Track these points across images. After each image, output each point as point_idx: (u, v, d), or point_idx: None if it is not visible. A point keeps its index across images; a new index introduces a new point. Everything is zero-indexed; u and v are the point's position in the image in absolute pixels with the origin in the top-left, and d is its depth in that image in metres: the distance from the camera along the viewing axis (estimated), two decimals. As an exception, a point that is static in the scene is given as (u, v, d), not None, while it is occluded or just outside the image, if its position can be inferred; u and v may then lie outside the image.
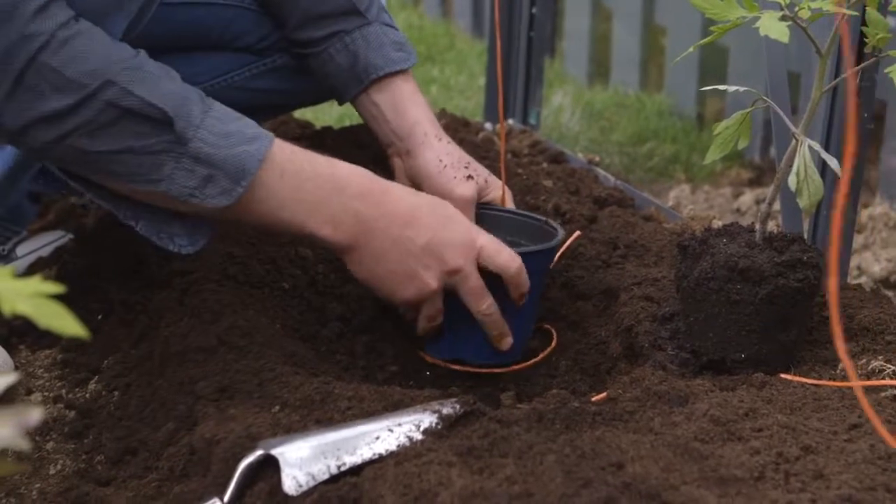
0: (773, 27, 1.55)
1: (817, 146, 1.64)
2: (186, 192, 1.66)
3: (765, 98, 1.76)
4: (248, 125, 1.70)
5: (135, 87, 1.62)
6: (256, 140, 1.69)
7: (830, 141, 2.00)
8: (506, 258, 1.84)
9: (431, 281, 1.80)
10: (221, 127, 1.67)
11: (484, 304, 1.84)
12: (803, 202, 1.65)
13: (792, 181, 1.65)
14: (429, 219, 1.79)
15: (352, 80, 2.14)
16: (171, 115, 1.63)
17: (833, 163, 1.65)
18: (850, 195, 2.00)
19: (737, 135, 1.71)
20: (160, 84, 1.65)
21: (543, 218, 2.05)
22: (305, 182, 1.73)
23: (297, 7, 2.15)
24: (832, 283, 1.15)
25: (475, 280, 1.82)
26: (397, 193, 1.80)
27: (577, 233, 2.18)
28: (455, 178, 2.05)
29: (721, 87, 1.78)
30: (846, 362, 1.33)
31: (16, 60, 1.57)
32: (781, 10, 1.60)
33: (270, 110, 2.36)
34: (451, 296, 1.86)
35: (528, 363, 1.98)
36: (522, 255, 1.88)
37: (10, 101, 1.59)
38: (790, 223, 2.11)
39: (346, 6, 2.13)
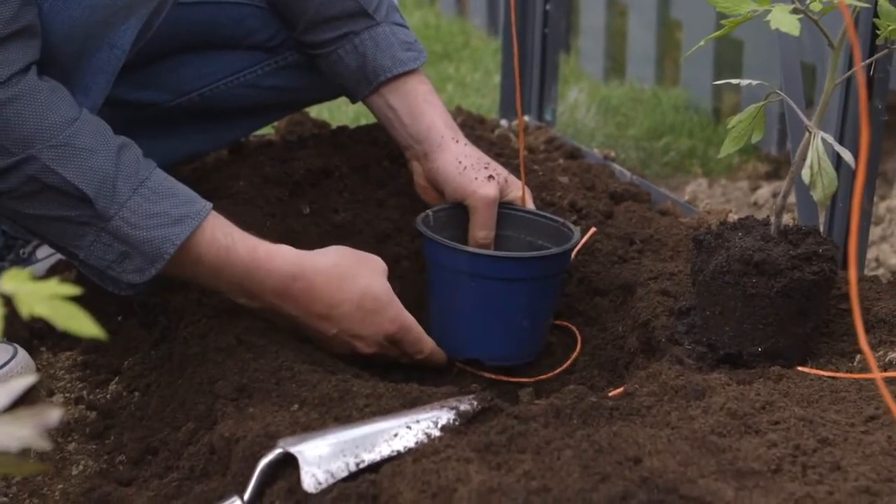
0: (784, 21, 1.55)
1: (830, 139, 1.64)
2: (104, 264, 1.72)
3: (778, 91, 1.76)
4: (178, 203, 1.74)
5: (57, 166, 1.67)
6: (181, 223, 1.73)
7: (844, 133, 2.00)
8: (413, 349, 1.92)
9: (362, 348, 1.89)
10: (147, 207, 1.71)
11: (425, 351, 1.92)
12: (817, 195, 1.65)
13: (805, 174, 1.65)
14: (346, 316, 1.85)
15: (361, 81, 2.14)
16: (91, 196, 1.68)
17: (847, 155, 1.65)
18: (866, 186, 2.00)
19: (751, 128, 1.71)
20: (88, 161, 1.69)
21: (561, 219, 2.05)
22: (223, 270, 1.78)
23: (306, 10, 2.16)
24: (852, 275, 1.15)
25: (397, 351, 1.91)
26: (318, 290, 1.83)
27: (593, 230, 2.18)
28: (476, 178, 2.04)
29: (734, 81, 1.78)
30: (867, 353, 1.33)
31: None
32: (793, 3, 1.60)
33: (282, 107, 2.37)
34: (459, 294, 1.87)
35: (551, 374, 1.98)
36: (541, 257, 1.89)
37: None
38: (806, 216, 2.11)
39: (354, 8, 2.13)
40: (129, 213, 1.70)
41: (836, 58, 1.63)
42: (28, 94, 1.65)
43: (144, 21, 1.76)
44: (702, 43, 1.75)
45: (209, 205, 1.76)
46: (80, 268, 1.79)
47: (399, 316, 1.88)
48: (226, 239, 1.78)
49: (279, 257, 1.81)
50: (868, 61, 1.88)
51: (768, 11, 1.58)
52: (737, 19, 1.62)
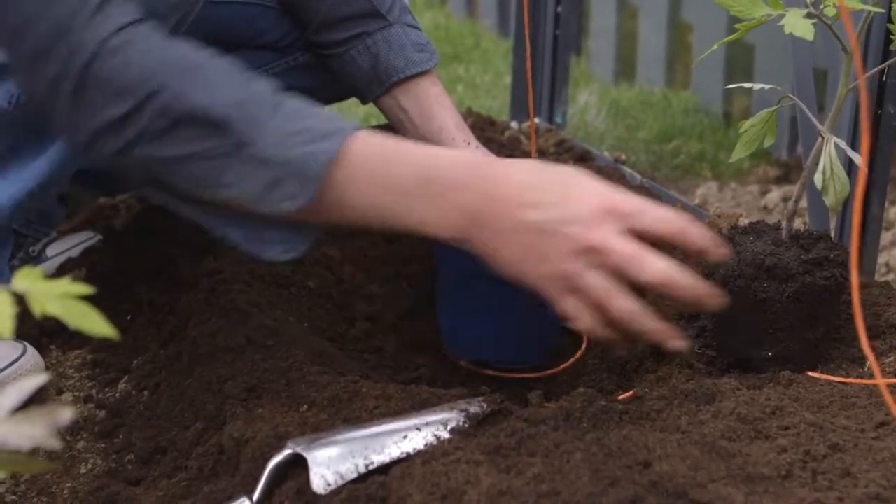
0: (798, 25, 1.54)
1: (843, 144, 1.64)
2: (254, 196, 1.55)
3: (791, 95, 1.76)
4: (324, 120, 1.57)
5: (186, 92, 1.54)
6: (330, 137, 1.54)
7: (857, 138, 1.99)
8: (661, 217, 1.50)
9: (563, 265, 1.47)
10: (289, 126, 1.55)
11: (651, 270, 1.46)
12: (829, 200, 1.65)
13: (818, 179, 1.64)
14: (545, 195, 1.49)
15: (374, 82, 2.14)
16: (226, 119, 1.53)
17: (859, 160, 1.65)
18: (877, 191, 1.99)
19: (763, 133, 1.71)
20: (218, 85, 1.57)
21: None
22: (394, 180, 1.54)
23: (319, 10, 2.15)
24: (854, 279, 1.15)
25: (621, 250, 1.46)
26: (507, 174, 1.53)
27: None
28: None
29: (746, 86, 1.78)
30: (870, 358, 1.33)
31: (72, 71, 1.53)
32: (806, 7, 1.60)
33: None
34: (468, 296, 1.86)
35: (558, 368, 1.98)
36: None
37: (73, 112, 1.56)
38: (817, 221, 2.10)
39: (367, 8, 2.13)
40: (270, 135, 1.53)
41: (849, 63, 1.63)
42: (145, 35, 1.56)
43: (172, 27, 1.75)
44: (715, 47, 1.75)
45: (355, 122, 1.60)
46: (227, 238, 1.62)
47: (610, 190, 1.50)
48: (393, 144, 1.56)
49: (454, 150, 1.64)
50: (882, 66, 1.87)
51: (782, 16, 1.57)
52: (750, 23, 1.61)
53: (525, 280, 1.51)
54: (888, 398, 1.27)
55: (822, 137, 1.64)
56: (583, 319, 1.49)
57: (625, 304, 1.47)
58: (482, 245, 1.52)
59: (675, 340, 1.51)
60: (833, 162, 1.61)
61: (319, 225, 1.65)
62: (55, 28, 1.53)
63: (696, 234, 1.50)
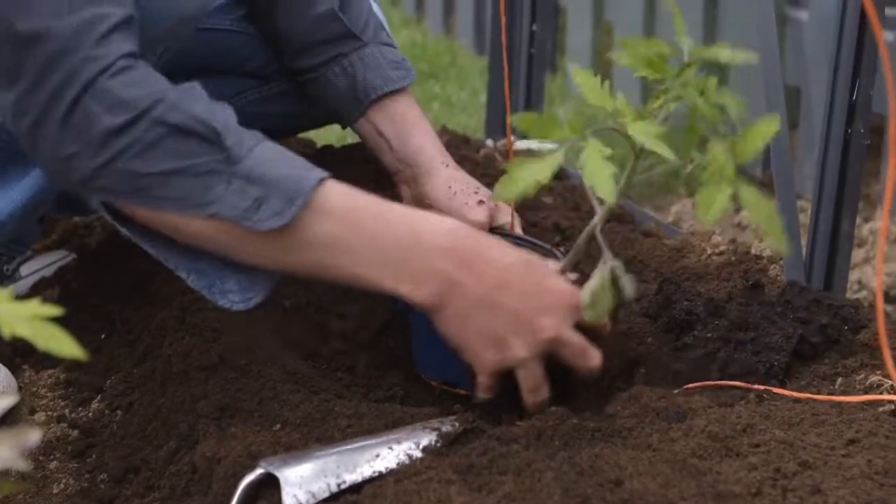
0: (598, 176, 1.43)
1: (621, 270, 1.56)
2: (238, 213, 1.57)
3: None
4: (305, 161, 1.64)
5: (183, 104, 1.58)
6: (315, 170, 1.61)
7: (827, 158, 2.00)
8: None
9: (519, 350, 1.62)
10: (275, 151, 1.62)
11: (592, 363, 1.67)
12: (589, 314, 1.59)
13: (586, 293, 1.57)
14: (521, 282, 1.63)
15: (352, 103, 2.15)
16: (221, 131, 1.58)
17: (629, 287, 1.55)
18: (848, 209, 2.01)
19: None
20: (211, 106, 1.61)
21: (549, 246, 2.03)
22: (380, 237, 1.61)
23: (292, 37, 2.16)
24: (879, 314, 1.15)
25: (576, 342, 1.65)
26: (487, 251, 1.64)
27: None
28: (467, 203, 2.04)
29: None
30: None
31: (77, 83, 1.56)
32: (615, 130, 1.49)
33: (277, 133, 2.36)
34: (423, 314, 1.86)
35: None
36: None
37: (66, 125, 1.58)
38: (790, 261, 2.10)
39: (341, 30, 2.14)
40: (258, 153, 1.59)
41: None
42: (144, 65, 1.62)
43: (161, 52, 1.77)
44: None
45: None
46: (188, 281, 1.67)
47: (572, 287, 1.66)
48: (365, 195, 1.63)
49: (436, 216, 1.67)
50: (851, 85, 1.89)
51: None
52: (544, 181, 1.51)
53: (467, 348, 1.65)
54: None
55: (603, 258, 1.58)
56: (524, 397, 1.66)
57: (545, 395, 1.68)
58: (450, 316, 1.63)
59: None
60: (605, 283, 1.56)
61: (280, 271, 1.69)
62: (65, 43, 1.56)
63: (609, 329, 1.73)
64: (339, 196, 1.61)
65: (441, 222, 1.65)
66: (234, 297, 1.68)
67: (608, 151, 1.44)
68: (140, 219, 1.65)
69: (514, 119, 1.54)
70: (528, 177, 1.50)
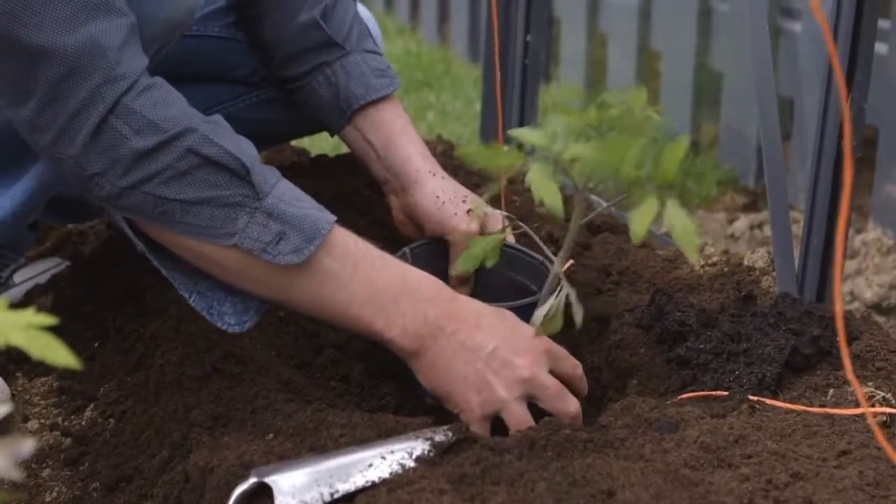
0: (545, 192, 1.54)
1: (574, 297, 1.65)
2: (259, 246, 1.64)
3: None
4: (311, 200, 1.72)
5: (215, 137, 1.64)
6: (323, 210, 1.70)
7: (820, 171, 2.01)
8: (570, 366, 1.77)
9: (501, 391, 1.69)
10: (291, 189, 1.69)
11: (572, 407, 1.72)
12: (537, 333, 1.70)
13: (538, 316, 1.68)
14: (496, 326, 1.73)
15: (336, 112, 2.15)
16: (249, 167, 1.64)
17: (579, 314, 1.65)
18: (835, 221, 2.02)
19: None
20: (238, 141, 1.67)
21: (541, 257, 2.02)
22: (373, 272, 1.71)
23: (278, 47, 2.17)
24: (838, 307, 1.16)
25: (552, 385, 1.72)
26: (466, 303, 1.75)
27: (570, 262, 2.18)
28: (456, 213, 2.04)
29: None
30: (857, 389, 1.34)
31: (101, 103, 1.59)
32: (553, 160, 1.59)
33: (266, 140, 2.37)
34: None
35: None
36: (523, 306, 1.85)
37: (91, 145, 1.60)
38: (781, 250, 2.11)
39: (323, 39, 2.14)
40: (281, 193, 1.66)
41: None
42: (164, 83, 1.66)
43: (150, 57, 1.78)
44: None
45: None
46: (190, 301, 1.73)
47: (538, 337, 1.73)
48: (362, 241, 1.74)
49: (420, 271, 1.76)
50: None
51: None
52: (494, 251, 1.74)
53: (452, 392, 1.72)
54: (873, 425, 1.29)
55: (560, 285, 1.67)
56: (479, 430, 1.68)
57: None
58: (432, 361, 1.71)
59: None
60: (558, 308, 1.66)
61: (279, 304, 1.79)
62: (76, 61, 1.57)
63: (582, 385, 1.79)
64: (342, 237, 1.70)
65: (426, 275, 1.75)
66: (229, 318, 1.74)
67: (551, 170, 1.58)
68: (154, 236, 1.70)
69: (465, 149, 1.69)
70: (481, 250, 1.76)
